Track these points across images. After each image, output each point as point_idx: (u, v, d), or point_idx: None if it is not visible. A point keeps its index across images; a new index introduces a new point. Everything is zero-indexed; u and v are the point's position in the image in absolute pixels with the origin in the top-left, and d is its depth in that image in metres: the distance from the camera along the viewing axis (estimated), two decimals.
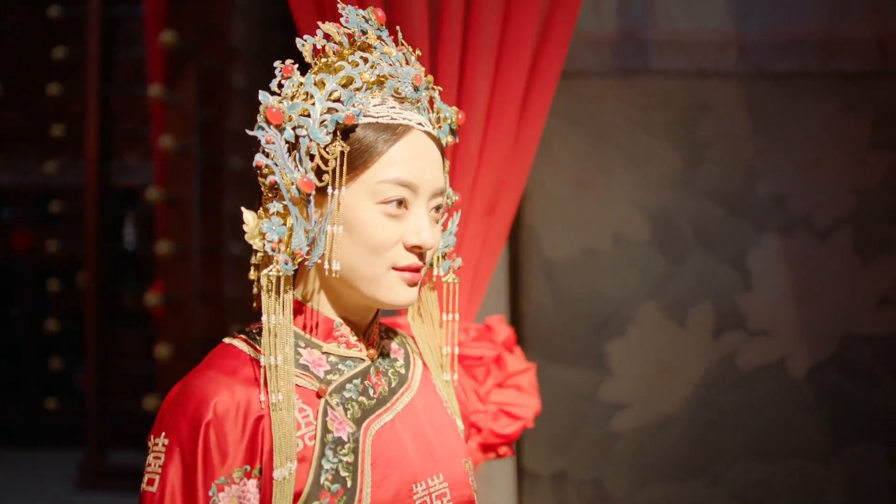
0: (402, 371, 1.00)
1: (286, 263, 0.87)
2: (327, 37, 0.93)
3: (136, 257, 5.04)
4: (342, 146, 0.89)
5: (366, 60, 0.92)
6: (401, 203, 0.90)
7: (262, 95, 0.89)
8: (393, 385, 0.97)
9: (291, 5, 1.61)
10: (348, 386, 0.93)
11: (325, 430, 0.89)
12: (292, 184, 0.88)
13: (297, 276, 0.95)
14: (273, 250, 0.87)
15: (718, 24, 2.39)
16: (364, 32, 0.93)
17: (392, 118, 0.91)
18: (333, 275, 0.90)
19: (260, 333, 0.92)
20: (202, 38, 4.06)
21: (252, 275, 0.93)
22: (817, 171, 2.47)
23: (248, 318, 4.70)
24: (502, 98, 1.51)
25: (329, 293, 0.94)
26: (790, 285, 2.46)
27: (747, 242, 2.47)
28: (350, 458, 0.89)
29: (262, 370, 0.88)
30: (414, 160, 0.91)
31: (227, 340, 0.94)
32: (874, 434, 2.47)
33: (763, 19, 2.39)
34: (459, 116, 1.00)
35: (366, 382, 0.94)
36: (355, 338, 0.95)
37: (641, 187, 2.47)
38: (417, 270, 0.91)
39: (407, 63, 0.95)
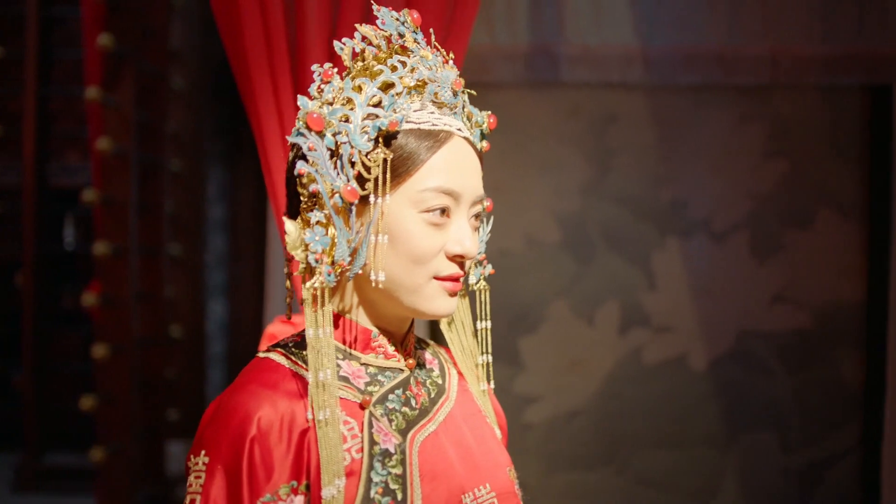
0: (440, 381, 0.98)
1: (329, 275, 0.84)
2: (365, 39, 0.90)
3: (75, 258, 5.03)
4: (385, 153, 0.85)
5: (404, 64, 0.88)
6: (443, 212, 0.87)
7: (301, 100, 0.86)
8: (432, 395, 0.95)
9: (213, 8, 1.72)
10: (391, 396, 0.91)
11: (372, 442, 0.86)
12: (335, 192, 0.84)
13: (333, 287, 0.91)
14: (317, 261, 0.84)
15: (624, 40, 2.53)
16: (401, 35, 0.90)
17: (433, 124, 0.88)
18: (378, 285, 0.86)
19: (297, 346, 0.91)
20: (141, 41, 4.09)
21: (287, 285, 0.93)
22: (716, 178, 2.65)
23: (185, 317, 4.71)
24: None
25: (366, 304, 0.92)
26: (691, 285, 2.63)
27: (651, 245, 2.63)
28: (398, 471, 0.86)
29: (304, 384, 0.85)
30: (456, 167, 0.88)
31: (262, 354, 0.91)
32: (768, 423, 2.65)
33: (666, 36, 2.54)
34: (491, 121, 0.97)
35: (407, 393, 0.92)
36: (393, 348, 0.93)
37: (553, 193, 2.61)
38: (458, 280, 0.89)
39: (444, 66, 0.92)
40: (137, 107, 4.08)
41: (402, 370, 0.93)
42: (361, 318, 0.92)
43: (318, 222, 0.84)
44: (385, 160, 0.85)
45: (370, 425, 0.87)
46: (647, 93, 2.60)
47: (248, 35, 1.65)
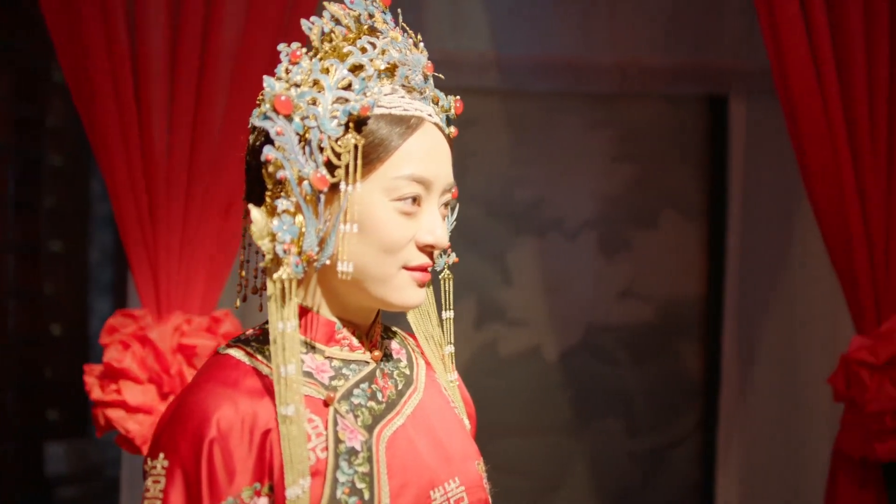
0: (407, 372, 0.95)
1: (297, 266, 0.81)
2: (334, 19, 0.87)
3: None
4: (356, 139, 0.82)
5: (374, 46, 0.86)
6: (415, 200, 0.85)
7: (268, 81, 0.82)
8: (400, 387, 0.93)
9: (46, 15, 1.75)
10: (356, 391, 0.88)
11: (337, 441, 0.83)
12: (304, 180, 0.81)
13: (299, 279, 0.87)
14: (285, 252, 0.80)
15: (481, 47, 2.65)
16: (371, 15, 0.88)
17: (405, 109, 0.86)
18: (346, 276, 0.83)
19: (257, 340, 0.88)
20: (19, 33, 3.99)
21: (243, 273, 0.89)
22: (568, 180, 2.80)
23: (67, 315, 4.60)
24: (240, 100, 1.66)
25: (329, 295, 0.89)
26: (544, 281, 2.78)
27: (507, 243, 2.76)
28: (365, 469, 0.83)
29: (266, 381, 0.83)
30: (428, 155, 0.86)
31: (221, 350, 0.88)
32: (615, 410, 2.83)
33: (520, 44, 2.68)
34: (457, 105, 0.96)
35: (373, 386, 0.89)
36: (358, 340, 0.91)
37: None
38: (427, 270, 0.88)
39: (414, 49, 0.90)
40: (15, 100, 3.99)
41: (368, 363, 0.91)
42: (325, 311, 0.89)
43: (285, 210, 0.81)
44: (356, 146, 0.82)
45: (335, 423, 0.84)
46: (503, 98, 2.73)
47: (90, 36, 1.69)
